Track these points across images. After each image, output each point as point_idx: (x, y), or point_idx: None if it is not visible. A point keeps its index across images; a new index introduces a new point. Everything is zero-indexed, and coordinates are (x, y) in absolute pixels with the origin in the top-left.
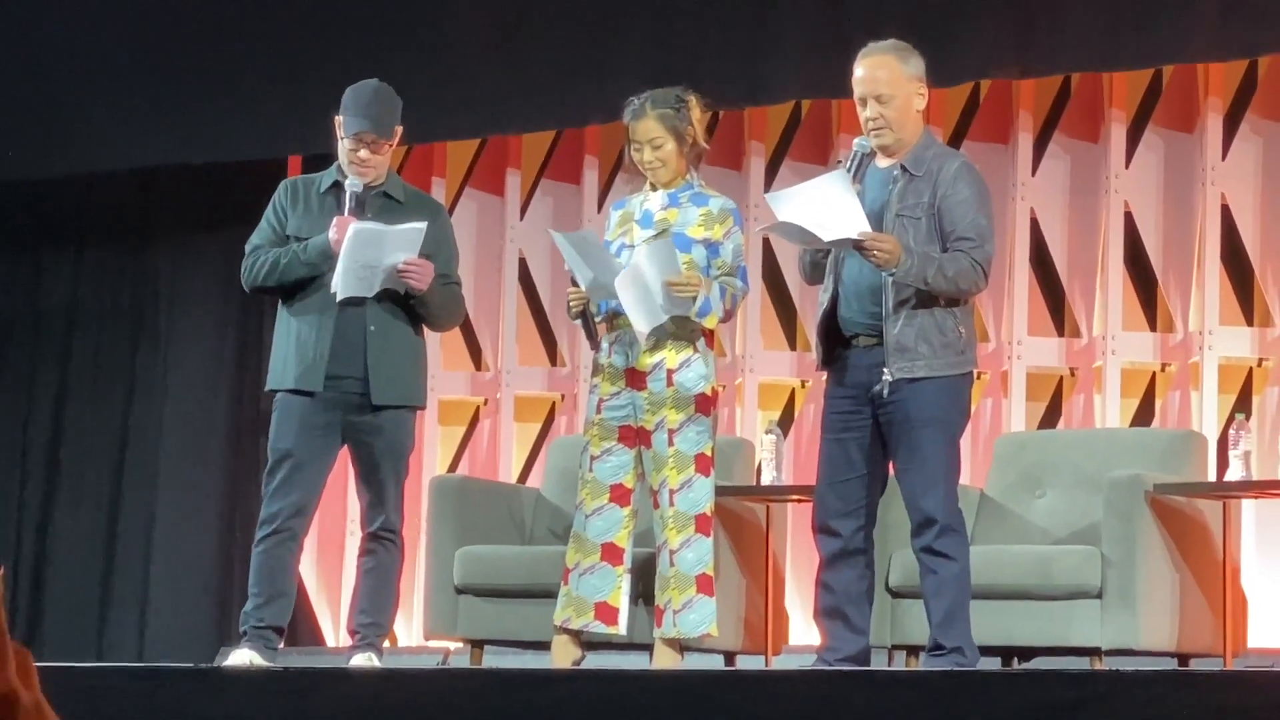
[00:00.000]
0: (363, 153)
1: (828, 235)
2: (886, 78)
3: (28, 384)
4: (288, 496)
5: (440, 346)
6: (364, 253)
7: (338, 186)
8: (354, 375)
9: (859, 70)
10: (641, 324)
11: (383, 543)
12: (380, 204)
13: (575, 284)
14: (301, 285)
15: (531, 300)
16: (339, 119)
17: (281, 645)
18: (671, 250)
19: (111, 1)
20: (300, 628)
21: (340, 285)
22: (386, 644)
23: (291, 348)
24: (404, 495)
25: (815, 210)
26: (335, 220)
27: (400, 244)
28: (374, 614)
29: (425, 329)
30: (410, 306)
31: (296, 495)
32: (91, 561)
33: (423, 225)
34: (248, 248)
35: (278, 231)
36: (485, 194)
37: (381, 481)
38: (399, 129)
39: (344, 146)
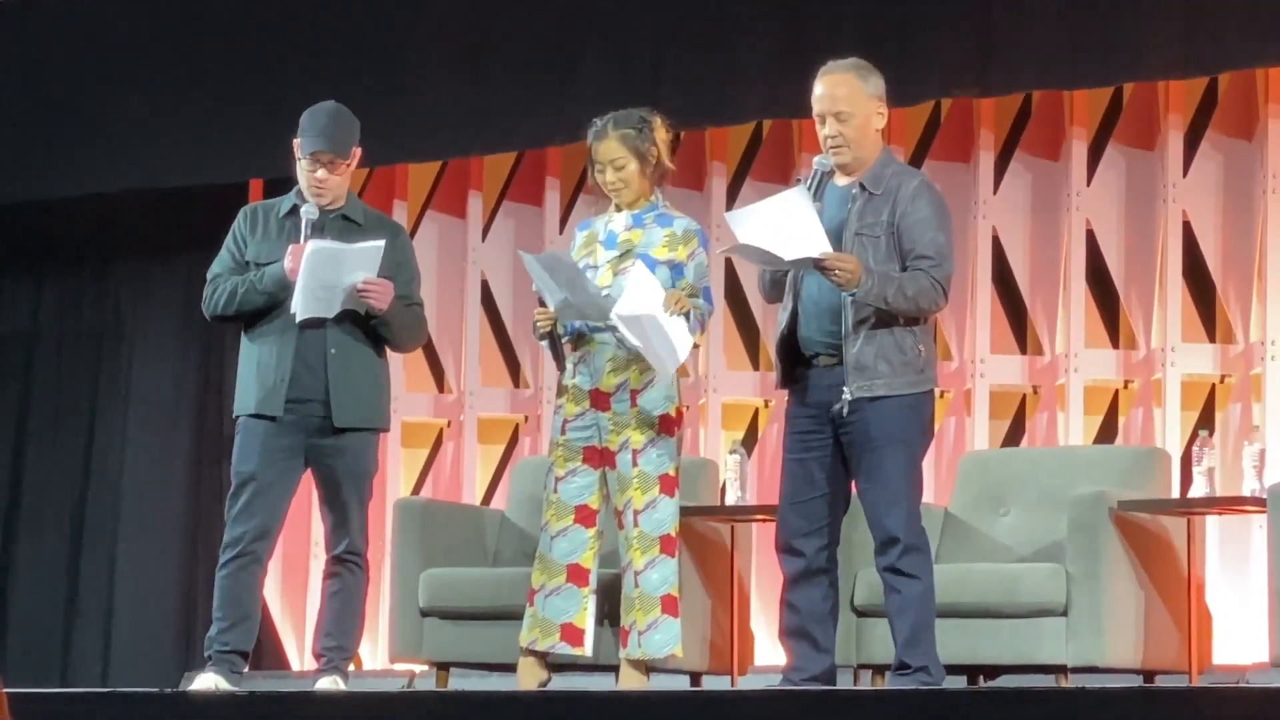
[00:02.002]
0: (320, 173)
1: (788, 255)
2: (846, 95)
3: None
4: (251, 520)
5: (403, 369)
6: (322, 272)
7: (297, 211)
8: (316, 398)
9: (818, 88)
10: (667, 363)
11: (347, 566)
12: (340, 226)
13: (543, 304)
14: (262, 311)
15: (494, 322)
16: (297, 141)
17: (246, 669)
18: (648, 278)
19: (70, 29)
20: (265, 651)
21: (299, 306)
22: (352, 667)
23: (253, 372)
24: (368, 518)
25: (775, 229)
26: (290, 249)
27: (358, 263)
28: (339, 637)
29: (388, 351)
30: (372, 328)
31: (260, 519)
32: (55, 586)
33: (380, 243)
34: (208, 276)
35: (237, 259)
36: (447, 216)
37: (345, 504)
38: (357, 150)
39: (302, 168)
